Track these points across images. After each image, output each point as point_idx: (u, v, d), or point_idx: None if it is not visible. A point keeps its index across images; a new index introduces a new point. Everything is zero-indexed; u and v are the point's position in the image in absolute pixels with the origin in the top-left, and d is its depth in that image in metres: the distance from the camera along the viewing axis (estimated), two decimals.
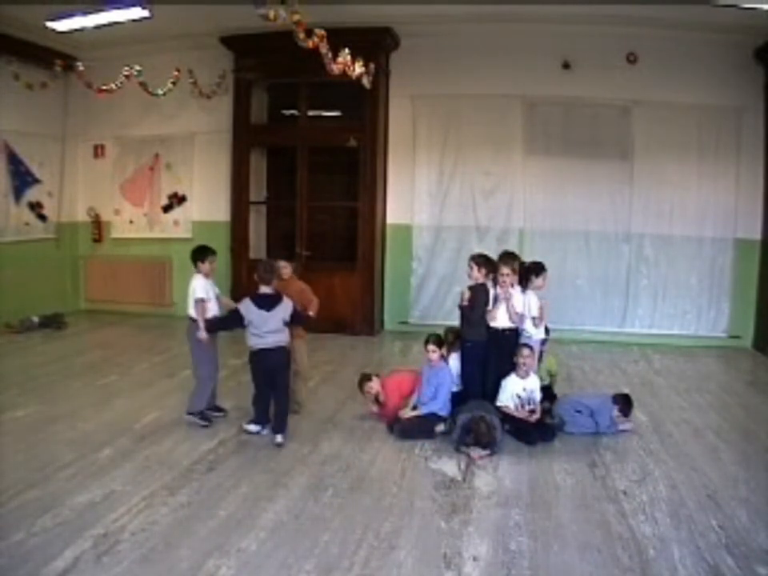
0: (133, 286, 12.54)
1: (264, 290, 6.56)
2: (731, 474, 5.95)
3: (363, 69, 8.97)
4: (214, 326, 6.85)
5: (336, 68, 8.06)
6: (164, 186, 12.49)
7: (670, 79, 10.76)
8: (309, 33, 7.05)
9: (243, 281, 11.58)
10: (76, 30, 10.19)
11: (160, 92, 10.66)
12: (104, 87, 9.90)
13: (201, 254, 6.95)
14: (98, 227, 12.90)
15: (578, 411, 6.83)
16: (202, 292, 6.83)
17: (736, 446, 6.77)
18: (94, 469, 5.65)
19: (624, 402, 7.04)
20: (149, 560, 4.24)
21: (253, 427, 6.65)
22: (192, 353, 6.93)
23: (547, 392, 7.31)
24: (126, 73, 9.83)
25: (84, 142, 12.77)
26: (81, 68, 9.85)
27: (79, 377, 8.52)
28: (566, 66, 10.94)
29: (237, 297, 11.58)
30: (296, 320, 6.70)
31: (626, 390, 7.59)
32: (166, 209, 12.49)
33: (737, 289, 11.14)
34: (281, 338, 6.50)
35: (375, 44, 10.79)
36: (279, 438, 6.36)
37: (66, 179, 12.58)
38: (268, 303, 6.48)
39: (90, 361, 9.44)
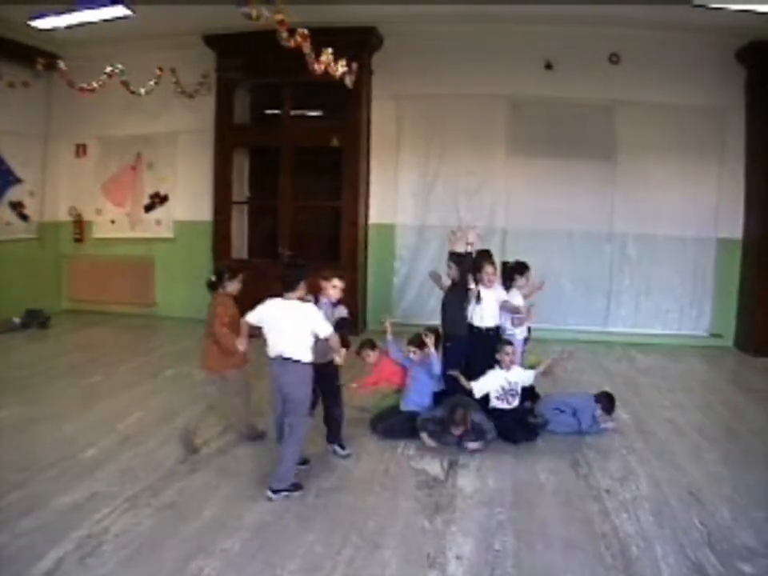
0: (116, 285, 12.44)
1: None
2: (714, 473, 5.99)
3: (346, 68, 8.97)
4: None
5: (319, 68, 8.04)
6: (146, 186, 12.42)
7: (653, 80, 10.81)
8: (292, 32, 7.04)
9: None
10: (59, 27, 10.17)
11: (142, 91, 10.60)
12: (86, 86, 9.84)
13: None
14: (79, 227, 12.82)
15: (561, 410, 6.86)
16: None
17: (719, 444, 6.83)
18: (77, 470, 5.62)
19: (607, 401, 7.08)
20: (133, 561, 4.24)
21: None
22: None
23: (530, 391, 7.35)
24: (108, 71, 9.78)
25: (66, 141, 12.68)
26: (63, 67, 9.79)
27: (62, 377, 8.46)
28: (549, 66, 10.98)
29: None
30: None
31: (608, 389, 7.61)
32: (148, 208, 12.42)
33: (719, 288, 11.21)
34: None
35: (359, 43, 10.77)
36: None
37: (48, 179, 12.51)
38: None
39: (74, 361, 9.38)
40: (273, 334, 5.37)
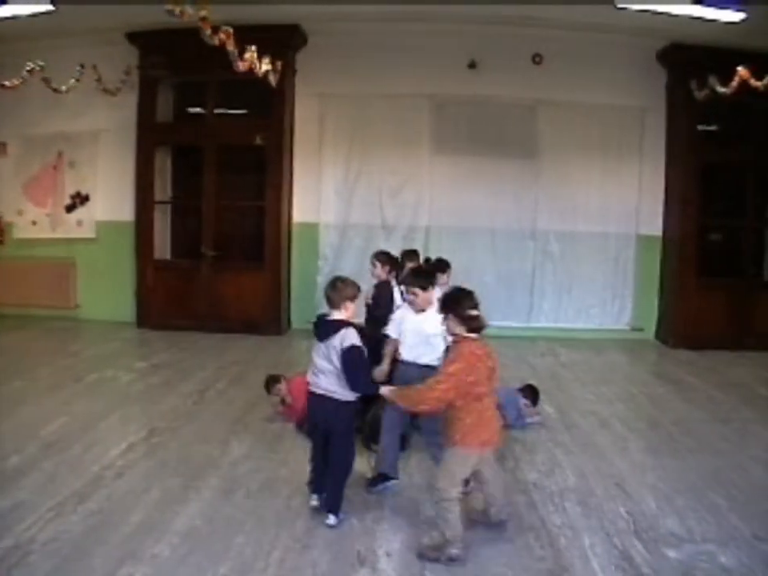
0: (38, 288, 12.06)
1: (334, 314, 4.89)
2: (638, 462, 6.12)
3: (270, 67, 8.93)
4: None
5: (243, 66, 8.01)
6: (67, 186, 12.10)
7: (575, 80, 11.04)
8: (215, 30, 6.99)
9: (149, 282, 11.44)
10: None
11: (63, 88, 10.36)
12: (7, 83, 9.61)
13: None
14: None
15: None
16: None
17: (642, 434, 6.98)
18: (0, 478, 5.45)
19: (530, 392, 7.19)
20: (61, 570, 4.10)
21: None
22: None
23: None
24: (28, 68, 9.56)
25: None
26: None
27: None
28: (473, 65, 11.08)
29: (142, 299, 11.55)
30: (349, 375, 4.73)
31: (531, 382, 7.69)
32: (69, 209, 12.11)
33: (639, 283, 11.50)
34: (332, 385, 4.78)
35: (283, 42, 10.73)
36: (330, 520, 4.80)
37: None
38: (324, 330, 4.86)
39: None
40: None
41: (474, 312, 4.47)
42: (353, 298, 4.89)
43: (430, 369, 5.06)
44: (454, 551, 4.28)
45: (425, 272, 5.72)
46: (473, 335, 4.44)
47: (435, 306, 5.20)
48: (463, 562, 4.27)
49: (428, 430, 5.46)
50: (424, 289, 5.36)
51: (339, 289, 4.85)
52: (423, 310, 5.37)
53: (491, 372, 4.43)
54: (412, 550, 4.43)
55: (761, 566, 4.31)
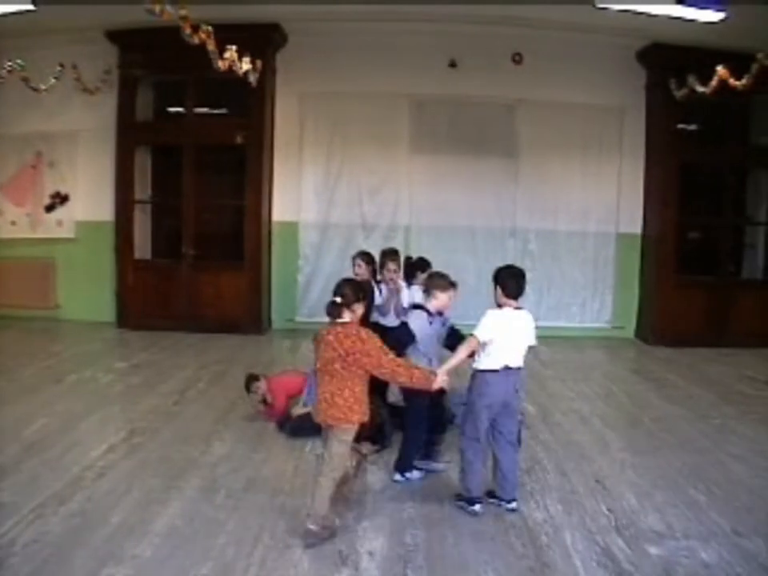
0: (17, 288, 11.93)
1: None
2: (618, 460, 6.16)
3: (250, 66, 8.92)
4: None
5: (222, 65, 7.99)
6: (47, 185, 12.02)
7: (555, 79, 11.09)
8: (195, 29, 6.98)
9: (129, 282, 11.39)
10: None
11: (42, 87, 10.30)
12: None
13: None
14: None
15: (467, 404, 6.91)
16: None
17: (622, 432, 7.03)
18: None
19: None
20: (42, 572, 4.06)
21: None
22: None
23: None
24: (7, 68, 9.49)
25: None
26: None
27: None
28: (453, 65, 11.12)
29: (122, 299, 11.49)
30: None
31: None
32: (49, 209, 12.04)
33: (619, 281, 11.58)
34: None
35: (263, 41, 10.72)
36: (395, 476, 5.67)
37: None
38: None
39: None
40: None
41: (332, 300, 4.70)
42: (443, 289, 5.51)
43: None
44: (309, 525, 4.50)
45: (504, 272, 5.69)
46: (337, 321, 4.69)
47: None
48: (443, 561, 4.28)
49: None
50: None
51: (433, 278, 5.65)
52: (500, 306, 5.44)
53: (333, 357, 4.59)
54: (395, 550, 4.44)
55: (741, 561, 4.33)
